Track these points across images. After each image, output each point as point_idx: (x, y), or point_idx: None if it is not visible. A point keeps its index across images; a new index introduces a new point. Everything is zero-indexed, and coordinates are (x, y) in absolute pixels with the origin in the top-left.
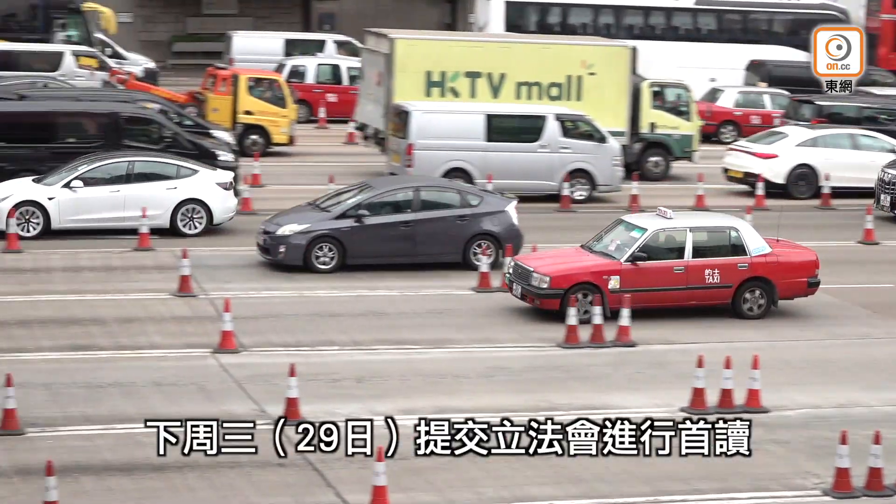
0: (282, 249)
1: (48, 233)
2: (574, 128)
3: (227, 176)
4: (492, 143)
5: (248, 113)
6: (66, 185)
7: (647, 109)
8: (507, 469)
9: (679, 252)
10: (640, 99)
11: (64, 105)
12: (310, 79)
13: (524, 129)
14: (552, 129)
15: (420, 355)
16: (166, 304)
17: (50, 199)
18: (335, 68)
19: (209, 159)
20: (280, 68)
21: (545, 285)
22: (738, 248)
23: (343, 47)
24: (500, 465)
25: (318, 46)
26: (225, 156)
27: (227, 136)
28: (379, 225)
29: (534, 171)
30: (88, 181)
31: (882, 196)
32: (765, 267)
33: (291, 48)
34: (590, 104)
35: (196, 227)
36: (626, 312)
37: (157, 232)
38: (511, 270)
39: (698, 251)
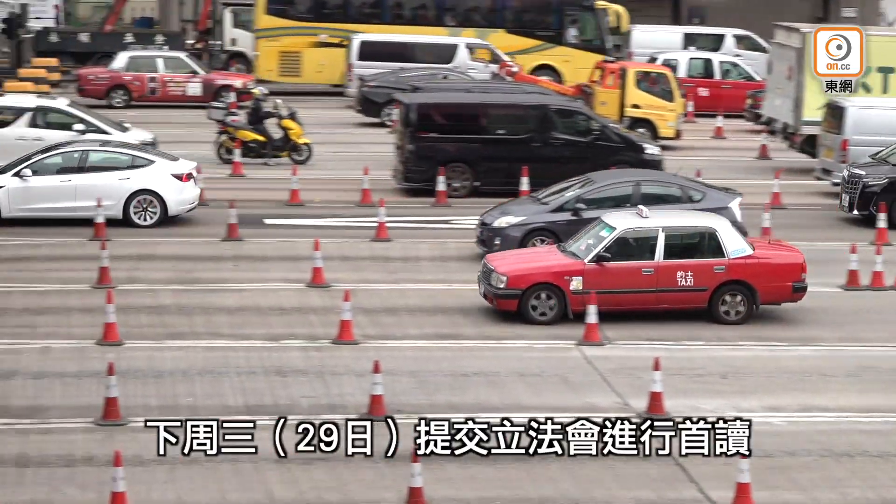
0: (497, 241)
1: None
2: None
3: (186, 167)
4: None
5: (635, 106)
6: (17, 174)
7: None
8: (874, 469)
9: (651, 253)
10: None
11: (496, 97)
12: (681, 72)
13: None
14: None
15: (786, 352)
16: None
17: None
18: (707, 62)
19: (636, 152)
20: (652, 61)
21: (502, 285)
22: (715, 250)
23: (742, 42)
24: (867, 466)
25: (717, 41)
26: (651, 149)
27: None
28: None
29: None
30: (39, 170)
31: (843, 196)
32: (744, 269)
33: (690, 42)
34: None
35: (149, 219)
36: None
37: (109, 223)
38: (481, 269)
39: (671, 252)
